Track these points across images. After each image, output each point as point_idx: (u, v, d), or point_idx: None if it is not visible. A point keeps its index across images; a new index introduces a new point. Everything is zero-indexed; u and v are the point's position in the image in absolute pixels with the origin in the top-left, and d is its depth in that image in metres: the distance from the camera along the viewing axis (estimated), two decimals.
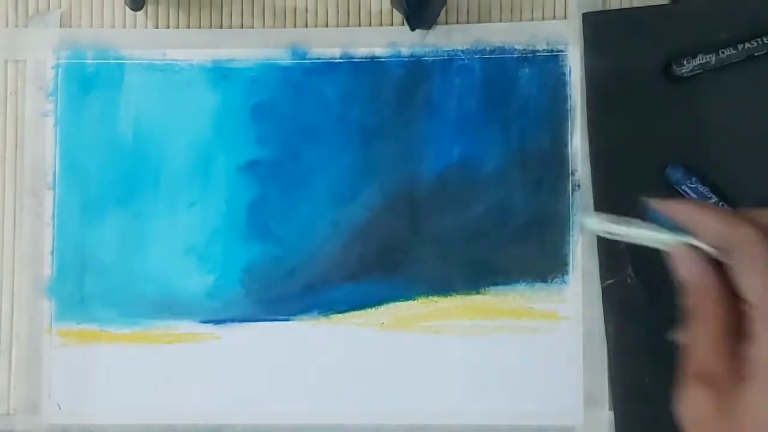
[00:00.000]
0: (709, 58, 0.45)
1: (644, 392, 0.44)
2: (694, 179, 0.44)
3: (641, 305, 0.45)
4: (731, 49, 0.45)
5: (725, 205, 0.44)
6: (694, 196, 0.44)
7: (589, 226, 0.34)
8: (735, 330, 0.28)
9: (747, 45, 0.45)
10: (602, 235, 0.34)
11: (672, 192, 0.45)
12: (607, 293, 0.45)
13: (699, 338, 0.29)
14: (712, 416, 0.28)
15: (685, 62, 0.45)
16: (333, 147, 0.46)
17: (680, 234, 0.32)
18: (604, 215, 0.34)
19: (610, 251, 0.45)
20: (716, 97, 0.45)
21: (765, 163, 0.45)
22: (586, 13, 0.46)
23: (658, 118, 0.45)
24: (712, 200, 0.44)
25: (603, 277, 0.45)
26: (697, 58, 0.45)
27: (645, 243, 0.33)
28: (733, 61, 0.45)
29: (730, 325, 0.28)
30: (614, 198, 0.45)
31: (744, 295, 0.29)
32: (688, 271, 0.31)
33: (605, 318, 0.45)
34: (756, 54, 0.45)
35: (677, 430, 0.43)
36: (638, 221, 0.33)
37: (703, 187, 0.44)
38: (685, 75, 0.45)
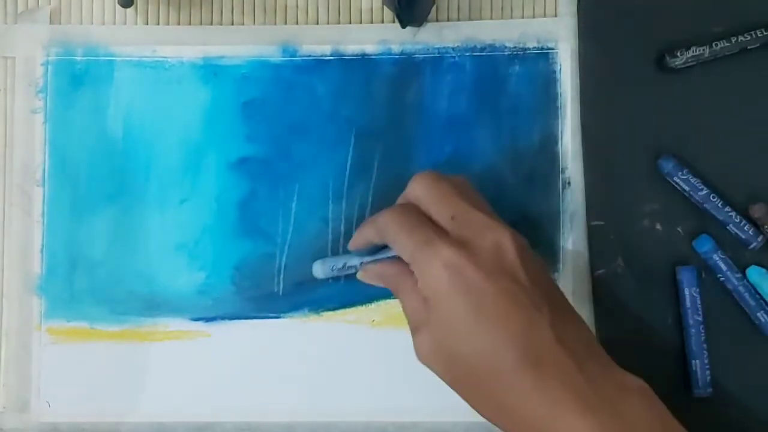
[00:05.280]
0: (703, 50, 0.45)
1: None
2: (685, 171, 0.44)
3: (631, 295, 0.45)
4: (725, 41, 0.45)
5: (716, 197, 0.44)
6: (686, 187, 0.44)
7: (316, 272, 0.44)
8: None
9: (741, 38, 0.45)
10: (331, 274, 0.44)
11: (664, 183, 0.45)
12: (596, 283, 0.45)
13: (405, 302, 0.39)
14: (429, 346, 0.37)
15: (678, 54, 0.45)
16: (324, 144, 0.46)
17: (363, 254, 0.43)
18: (326, 259, 0.44)
19: (600, 241, 0.45)
20: (709, 89, 0.45)
21: (757, 155, 0.45)
22: (581, 2, 0.46)
23: (650, 109, 0.46)
24: (703, 191, 0.44)
25: (593, 268, 0.45)
26: (691, 50, 0.45)
27: (355, 270, 0.43)
28: (727, 54, 0.45)
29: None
30: (606, 188, 0.45)
31: (406, 260, 0.38)
32: (373, 278, 0.42)
33: (595, 307, 0.45)
34: (749, 47, 0.45)
35: None
36: (349, 255, 0.43)
37: (695, 179, 0.44)
38: (678, 67, 0.45)
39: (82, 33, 0.47)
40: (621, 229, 0.45)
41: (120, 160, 0.46)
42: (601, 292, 0.45)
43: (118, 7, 0.47)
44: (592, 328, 0.45)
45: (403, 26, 0.45)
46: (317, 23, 0.47)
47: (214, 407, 0.45)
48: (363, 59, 0.46)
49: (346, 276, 0.44)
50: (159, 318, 0.46)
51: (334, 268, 0.43)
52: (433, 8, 0.46)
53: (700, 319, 0.44)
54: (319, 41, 0.46)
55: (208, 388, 0.46)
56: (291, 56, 0.46)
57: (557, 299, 0.38)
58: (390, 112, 0.46)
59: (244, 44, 0.46)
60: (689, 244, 0.45)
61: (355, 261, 0.43)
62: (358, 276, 0.43)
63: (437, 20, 0.47)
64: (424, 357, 0.38)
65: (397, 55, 0.46)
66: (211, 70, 0.46)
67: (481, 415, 0.38)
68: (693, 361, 0.44)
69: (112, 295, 0.46)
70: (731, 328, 0.45)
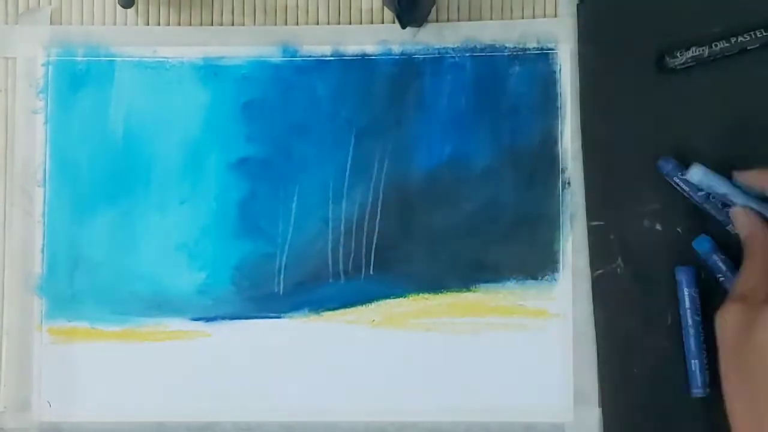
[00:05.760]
0: (702, 50, 0.45)
1: (632, 383, 0.44)
2: (685, 171, 0.44)
3: (630, 295, 0.45)
4: (724, 42, 0.45)
5: (714, 198, 0.44)
6: (686, 187, 0.44)
7: (693, 175, 0.43)
8: None
9: (740, 38, 0.45)
10: (705, 188, 0.43)
11: (664, 183, 0.45)
12: (596, 283, 0.45)
13: (748, 269, 0.38)
14: (737, 321, 0.36)
15: (678, 54, 0.45)
16: (324, 145, 0.46)
17: (751, 198, 0.42)
18: (710, 173, 0.43)
19: (600, 241, 0.45)
20: (708, 89, 0.45)
21: (756, 155, 0.45)
22: (581, 3, 0.46)
23: (650, 109, 0.46)
24: (702, 193, 0.44)
25: (593, 268, 0.45)
26: (690, 51, 0.45)
27: (726, 201, 0.43)
28: (726, 54, 0.45)
29: None
30: (606, 189, 0.45)
31: None
32: (740, 224, 0.41)
33: (594, 308, 0.45)
34: (749, 47, 0.45)
35: (663, 420, 0.44)
36: (729, 182, 0.43)
37: None
38: (677, 67, 0.45)
39: (82, 33, 0.47)
40: (621, 229, 0.45)
41: (120, 161, 0.46)
42: (601, 292, 0.45)
43: (118, 7, 0.47)
44: (592, 329, 0.45)
45: (404, 27, 0.46)
46: (317, 23, 0.47)
47: (214, 407, 0.46)
48: (363, 60, 0.46)
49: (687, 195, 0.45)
50: (159, 318, 0.46)
51: (713, 189, 0.43)
52: (433, 9, 0.46)
53: (699, 319, 0.44)
54: (319, 41, 0.46)
55: (208, 388, 0.46)
56: (291, 56, 0.47)
57: None
58: (390, 112, 0.46)
59: (244, 45, 0.46)
60: (689, 244, 0.45)
61: (738, 198, 0.43)
62: (733, 211, 0.43)
63: (437, 20, 0.47)
64: (722, 321, 0.37)
65: (397, 55, 0.46)
66: (211, 71, 0.46)
67: (729, 411, 0.38)
68: (692, 361, 0.44)
69: (113, 295, 0.46)
70: None
